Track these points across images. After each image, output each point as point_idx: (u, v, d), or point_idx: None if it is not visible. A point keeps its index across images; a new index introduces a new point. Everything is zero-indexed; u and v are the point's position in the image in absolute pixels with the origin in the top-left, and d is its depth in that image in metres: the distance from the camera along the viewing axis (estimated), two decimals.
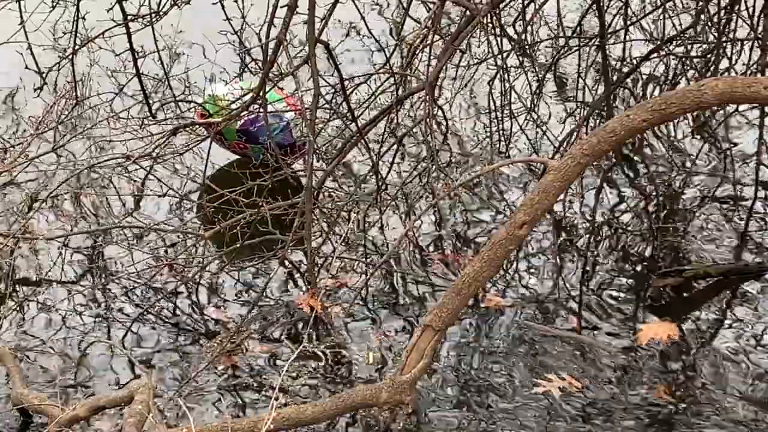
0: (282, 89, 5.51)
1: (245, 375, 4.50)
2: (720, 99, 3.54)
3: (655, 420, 4.26)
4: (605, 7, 5.27)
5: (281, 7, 4.29)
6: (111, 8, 5.28)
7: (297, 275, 5.00)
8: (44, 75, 5.82)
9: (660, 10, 5.59)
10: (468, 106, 6.09)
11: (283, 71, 4.75)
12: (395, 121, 4.97)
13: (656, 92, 5.87)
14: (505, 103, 5.29)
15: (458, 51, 5.19)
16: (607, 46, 5.19)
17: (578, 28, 5.70)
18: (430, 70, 4.54)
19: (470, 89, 6.06)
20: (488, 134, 5.63)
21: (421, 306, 4.83)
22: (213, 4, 5.33)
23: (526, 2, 5.32)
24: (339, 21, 6.28)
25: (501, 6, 4.98)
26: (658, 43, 5.45)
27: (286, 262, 4.87)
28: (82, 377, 4.51)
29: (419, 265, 5.07)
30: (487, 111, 5.61)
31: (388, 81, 5.07)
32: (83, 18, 5.49)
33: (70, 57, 5.55)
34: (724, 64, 5.34)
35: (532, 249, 5.13)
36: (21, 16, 5.55)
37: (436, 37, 4.72)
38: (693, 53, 5.47)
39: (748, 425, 4.22)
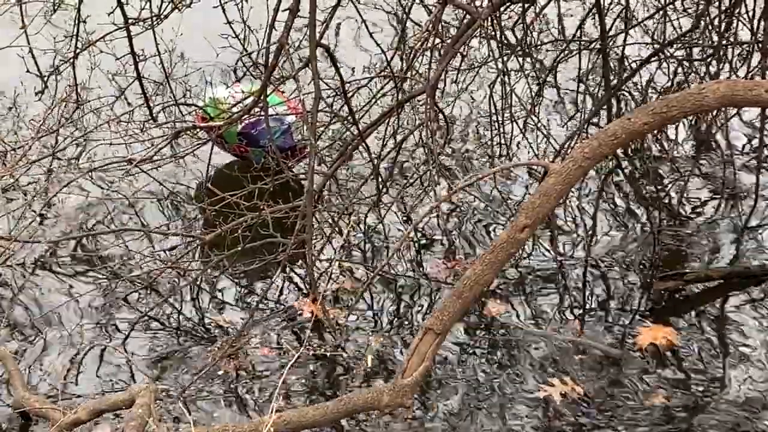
0: (283, 92, 5.51)
1: (246, 378, 4.50)
2: (721, 102, 3.54)
3: (655, 423, 4.26)
4: (606, 11, 5.27)
5: (283, 10, 4.29)
6: (112, 12, 5.28)
7: (298, 278, 5.00)
8: (45, 78, 5.81)
9: (660, 14, 5.59)
10: (470, 110, 6.10)
11: (284, 74, 4.75)
12: (396, 124, 4.97)
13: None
14: (506, 107, 5.29)
15: (459, 54, 5.19)
16: (607, 50, 5.18)
17: (579, 32, 5.70)
18: (431, 74, 4.54)
19: (470, 92, 6.06)
20: (489, 137, 5.63)
21: (422, 309, 4.83)
22: (214, 7, 5.33)
23: (526, 6, 5.31)
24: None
25: (501, 9, 4.97)
26: (659, 46, 5.45)
27: (287, 266, 4.87)
28: (83, 380, 4.51)
29: (420, 268, 5.07)
30: (487, 114, 5.61)
31: (389, 84, 5.07)
32: (84, 21, 5.49)
33: (71, 60, 5.55)
34: (725, 67, 5.34)
35: (533, 251, 5.13)
36: (22, 20, 5.54)
37: (437, 40, 4.72)
38: (694, 56, 5.47)
39: (748, 428, 4.22)
